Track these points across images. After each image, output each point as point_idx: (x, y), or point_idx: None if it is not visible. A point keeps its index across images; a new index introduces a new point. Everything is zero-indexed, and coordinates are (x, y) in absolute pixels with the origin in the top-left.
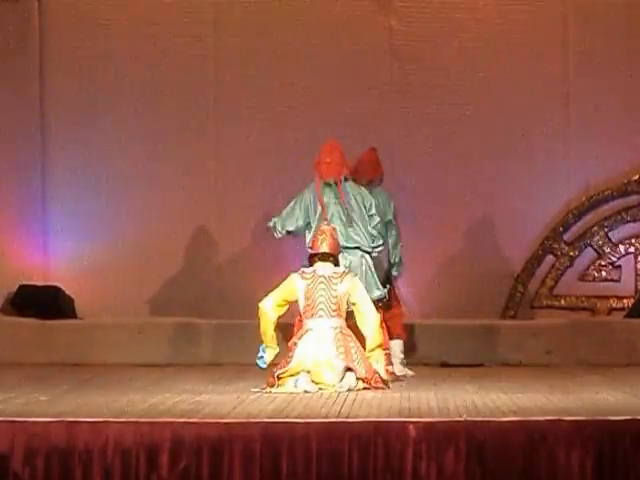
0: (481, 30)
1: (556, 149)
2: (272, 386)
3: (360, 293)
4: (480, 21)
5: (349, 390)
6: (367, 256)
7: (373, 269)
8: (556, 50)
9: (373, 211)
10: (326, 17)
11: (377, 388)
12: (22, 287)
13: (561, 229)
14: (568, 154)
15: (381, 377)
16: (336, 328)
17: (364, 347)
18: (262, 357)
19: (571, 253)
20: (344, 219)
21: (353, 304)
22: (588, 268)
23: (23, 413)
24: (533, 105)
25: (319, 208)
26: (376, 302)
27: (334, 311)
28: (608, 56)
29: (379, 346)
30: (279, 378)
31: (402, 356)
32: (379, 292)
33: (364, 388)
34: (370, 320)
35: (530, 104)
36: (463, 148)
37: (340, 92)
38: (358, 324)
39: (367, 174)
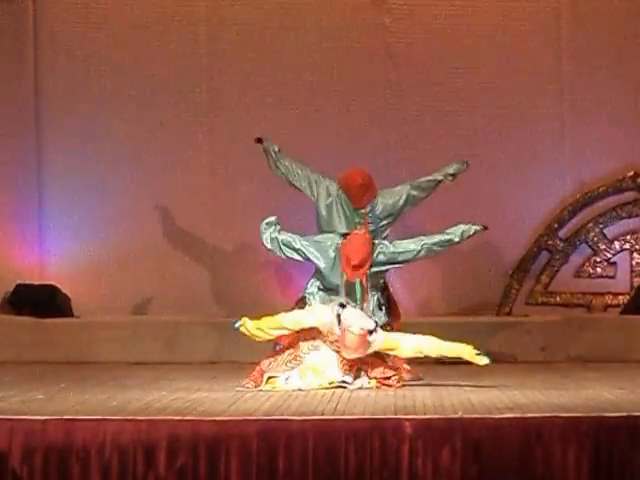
0: (475, 27)
1: (551, 146)
2: (258, 384)
3: None
4: (474, 18)
5: (360, 388)
6: None
7: None
8: (550, 47)
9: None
10: (320, 14)
11: (390, 385)
12: (19, 286)
13: (556, 226)
14: (563, 151)
15: (394, 376)
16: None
17: None
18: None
19: (566, 250)
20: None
21: None
22: (583, 265)
23: (21, 411)
24: (527, 102)
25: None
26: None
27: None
28: (602, 53)
29: None
30: (270, 378)
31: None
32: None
33: (376, 387)
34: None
35: (525, 101)
36: (458, 145)
37: (334, 90)
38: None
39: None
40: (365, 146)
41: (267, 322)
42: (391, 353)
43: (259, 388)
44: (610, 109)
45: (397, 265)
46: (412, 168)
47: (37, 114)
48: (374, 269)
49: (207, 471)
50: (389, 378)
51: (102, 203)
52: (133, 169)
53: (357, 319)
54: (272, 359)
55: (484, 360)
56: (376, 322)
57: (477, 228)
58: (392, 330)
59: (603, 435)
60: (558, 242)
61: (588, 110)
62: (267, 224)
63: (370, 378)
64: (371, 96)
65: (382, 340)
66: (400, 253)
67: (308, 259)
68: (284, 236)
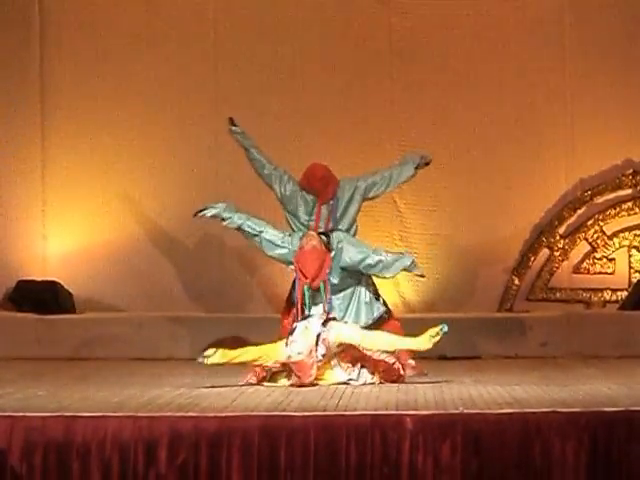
0: (480, 26)
1: (551, 144)
2: (260, 380)
3: None
4: (479, 17)
5: (364, 384)
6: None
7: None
8: (553, 46)
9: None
10: (325, 13)
11: (393, 381)
12: (21, 282)
13: (556, 223)
14: (563, 149)
15: (396, 369)
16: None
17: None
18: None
19: (566, 246)
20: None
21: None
22: (583, 261)
23: (21, 408)
24: (529, 100)
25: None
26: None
27: None
28: (604, 52)
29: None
30: (273, 373)
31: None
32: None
33: (379, 382)
34: None
35: (527, 99)
36: (461, 143)
37: (340, 88)
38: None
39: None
40: (369, 142)
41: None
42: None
43: (261, 384)
44: (610, 108)
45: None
46: None
47: (42, 110)
48: (341, 269)
49: (208, 467)
50: (391, 372)
51: (104, 200)
52: (136, 166)
53: (297, 343)
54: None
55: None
56: (327, 315)
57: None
58: (390, 319)
59: (601, 430)
60: (558, 239)
61: (588, 109)
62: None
63: (373, 374)
64: (376, 93)
65: (336, 334)
66: (352, 256)
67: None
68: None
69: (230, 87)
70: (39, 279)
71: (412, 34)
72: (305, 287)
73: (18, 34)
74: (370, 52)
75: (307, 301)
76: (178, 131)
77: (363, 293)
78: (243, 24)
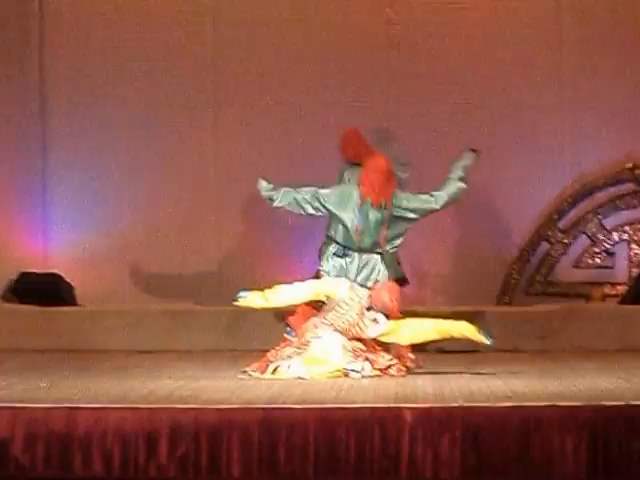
0: (477, 18)
1: (551, 137)
2: (262, 371)
3: None
4: (476, 9)
5: (363, 376)
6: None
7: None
8: (551, 39)
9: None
10: (322, 5)
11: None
12: (22, 275)
13: (555, 216)
14: (563, 142)
15: (400, 366)
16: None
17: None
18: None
19: (565, 240)
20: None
21: None
22: (582, 255)
23: (23, 399)
24: (527, 94)
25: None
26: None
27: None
28: (602, 46)
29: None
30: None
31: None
32: None
33: (378, 375)
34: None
35: (525, 93)
36: (459, 135)
37: (337, 80)
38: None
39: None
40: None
41: (279, 294)
42: (392, 340)
43: (261, 376)
44: (609, 101)
45: (408, 216)
46: (412, 158)
47: (42, 104)
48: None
49: (208, 459)
50: (390, 367)
51: (105, 192)
52: (136, 159)
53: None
54: (278, 348)
55: (487, 340)
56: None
57: (470, 155)
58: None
59: (601, 424)
60: (557, 233)
61: (587, 102)
62: (269, 191)
63: (374, 369)
64: (373, 86)
65: (386, 327)
66: (411, 199)
67: (327, 209)
68: (297, 194)
69: (228, 80)
70: (41, 271)
71: (409, 26)
72: (366, 206)
73: (18, 29)
74: (367, 44)
75: (370, 219)
76: (178, 125)
77: (377, 257)
78: (240, 15)
